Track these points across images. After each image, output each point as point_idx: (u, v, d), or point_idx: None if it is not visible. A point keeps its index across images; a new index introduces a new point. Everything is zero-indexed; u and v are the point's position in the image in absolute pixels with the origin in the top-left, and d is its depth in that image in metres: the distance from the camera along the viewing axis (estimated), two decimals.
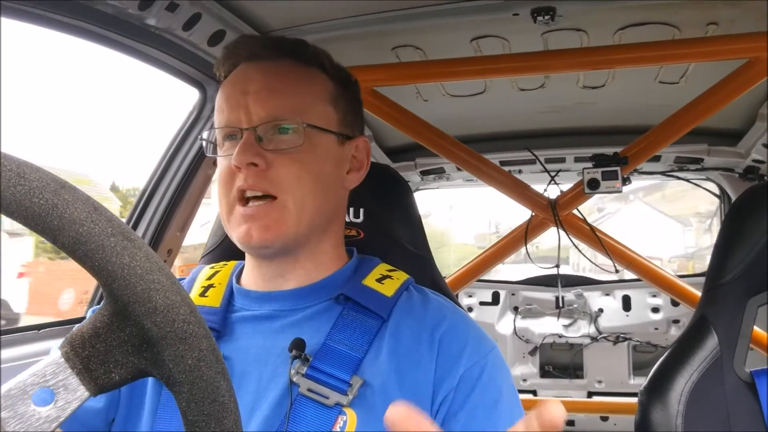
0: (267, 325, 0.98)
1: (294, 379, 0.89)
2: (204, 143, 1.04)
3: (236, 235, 0.96)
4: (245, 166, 0.93)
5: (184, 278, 1.14)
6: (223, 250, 1.31)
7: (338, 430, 0.86)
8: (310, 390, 0.88)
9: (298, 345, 0.91)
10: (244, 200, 0.95)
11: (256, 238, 0.93)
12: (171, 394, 0.54)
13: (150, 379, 0.95)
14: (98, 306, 1.07)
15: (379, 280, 1.03)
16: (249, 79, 0.99)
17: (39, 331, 1.70)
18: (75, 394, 0.53)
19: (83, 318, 1.57)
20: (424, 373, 0.90)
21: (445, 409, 0.89)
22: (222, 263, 1.14)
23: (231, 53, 1.05)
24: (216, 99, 1.03)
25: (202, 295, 1.04)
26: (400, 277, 1.06)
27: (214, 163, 2.02)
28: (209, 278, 1.09)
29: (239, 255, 1.13)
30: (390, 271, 1.07)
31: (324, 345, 0.93)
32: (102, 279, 0.51)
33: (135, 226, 1.97)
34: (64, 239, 0.50)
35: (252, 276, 1.05)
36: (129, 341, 0.53)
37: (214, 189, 1.05)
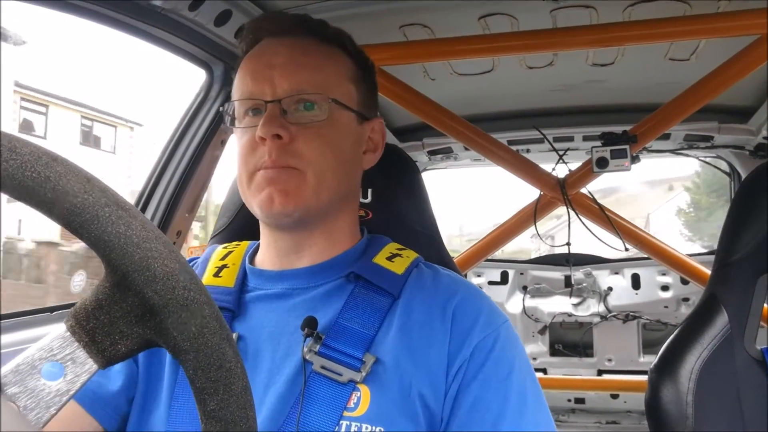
0: (280, 303, 0.99)
1: (307, 357, 0.90)
2: (225, 115, 1.04)
3: (258, 201, 0.96)
4: (270, 137, 0.93)
5: (196, 258, 1.15)
6: (233, 230, 1.31)
7: (352, 406, 0.87)
8: (323, 367, 0.89)
9: (310, 323, 0.92)
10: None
11: (278, 204, 0.93)
12: (185, 379, 0.55)
13: (168, 358, 0.97)
14: None
15: (389, 259, 1.03)
16: (275, 53, 1.00)
17: (52, 313, 1.71)
18: (83, 367, 0.53)
19: None
20: (437, 348, 0.91)
21: (458, 380, 0.89)
22: (235, 243, 1.15)
23: (256, 27, 1.05)
24: (237, 72, 1.03)
25: (216, 275, 1.05)
26: (410, 255, 1.06)
27: (222, 143, 2.02)
28: (222, 258, 1.09)
29: (249, 235, 1.13)
30: (399, 249, 1.07)
31: (336, 323, 0.93)
32: (99, 250, 0.51)
33: (144, 209, 1.97)
34: (58, 211, 0.50)
35: (267, 253, 1.05)
36: (132, 311, 0.53)
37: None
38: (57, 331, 0.54)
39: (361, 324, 0.93)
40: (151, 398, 0.96)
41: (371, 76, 1.11)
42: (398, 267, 1.01)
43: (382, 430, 0.86)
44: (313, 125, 0.96)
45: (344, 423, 0.86)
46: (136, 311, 0.53)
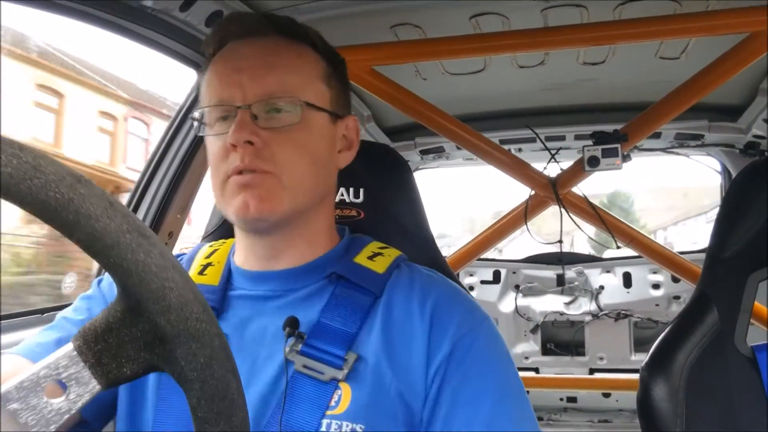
0: (263, 304, 0.99)
1: (289, 357, 0.90)
2: (196, 123, 1.02)
3: (232, 208, 0.94)
4: (242, 144, 0.91)
5: (182, 255, 1.14)
6: (224, 230, 1.31)
7: (333, 404, 0.87)
8: (305, 366, 0.89)
9: (292, 323, 0.92)
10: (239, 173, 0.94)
11: (253, 209, 0.92)
12: (171, 379, 0.55)
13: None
14: (102, 277, 1.08)
15: (370, 258, 1.03)
16: (242, 56, 0.98)
17: (42, 315, 1.70)
18: (87, 387, 0.53)
19: None
20: (416, 346, 0.91)
21: (439, 378, 0.89)
22: (221, 241, 1.14)
23: (221, 30, 1.03)
24: (206, 77, 1.01)
25: (201, 273, 1.04)
26: (392, 254, 1.06)
27: None
28: (208, 256, 1.09)
29: None
30: (382, 248, 1.07)
31: (318, 322, 0.94)
32: (116, 275, 0.52)
33: (135, 209, 1.97)
34: (79, 234, 0.50)
35: (245, 256, 1.04)
36: (141, 337, 0.54)
37: None
38: (63, 350, 0.54)
39: (342, 323, 0.93)
40: (138, 398, 0.96)
41: (342, 73, 1.09)
42: (380, 266, 1.01)
43: (363, 427, 0.86)
44: (286, 129, 0.94)
45: (325, 422, 0.86)
46: (145, 337, 0.54)
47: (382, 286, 0.98)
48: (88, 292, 1.09)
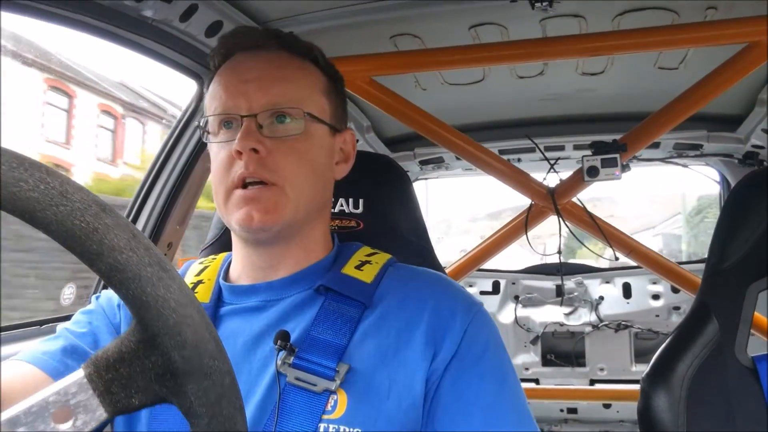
0: (254, 316, 1.00)
1: (281, 370, 0.91)
2: (200, 131, 1.05)
3: (236, 218, 0.96)
4: (247, 151, 0.94)
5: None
6: (223, 243, 1.31)
7: (329, 409, 0.88)
8: (297, 379, 0.90)
9: (283, 336, 0.93)
10: (243, 185, 0.96)
11: (257, 220, 0.94)
12: (163, 411, 0.55)
13: None
14: (99, 294, 1.08)
15: (358, 267, 1.04)
16: (248, 68, 1.01)
17: (41, 326, 1.70)
18: (94, 414, 0.53)
19: None
20: (415, 349, 0.92)
21: (438, 377, 0.90)
22: (211, 257, 1.16)
23: (227, 43, 1.06)
24: (210, 87, 1.04)
25: (192, 291, 1.04)
26: (380, 260, 1.06)
27: None
28: (198, 274, 1.10)
29: None
30: (369, 255, 1.08)
31: (308, 335, 0.94)
32: (134, 307, 0.52)
33: (135, 220, 1.96)
34: (101, 264, 0.50)
35: (243, 268, 1.05)
36: (153, 369, 0.54)
37: None
38: (74, 376, 0.53)
39: (332, 335, 0.94)
40: (133, 422, 0.96)
41: (341, 89, 1.12)
42: (367, 275, 1.02)
43: (360, 430, 0.87)
44: (289, 139, 0.97)
45: (322, 426, 0.87)
46: (157, 370, 0.54)
47: (370, 295, 0.99)
48: (88, 307, 1.10)
